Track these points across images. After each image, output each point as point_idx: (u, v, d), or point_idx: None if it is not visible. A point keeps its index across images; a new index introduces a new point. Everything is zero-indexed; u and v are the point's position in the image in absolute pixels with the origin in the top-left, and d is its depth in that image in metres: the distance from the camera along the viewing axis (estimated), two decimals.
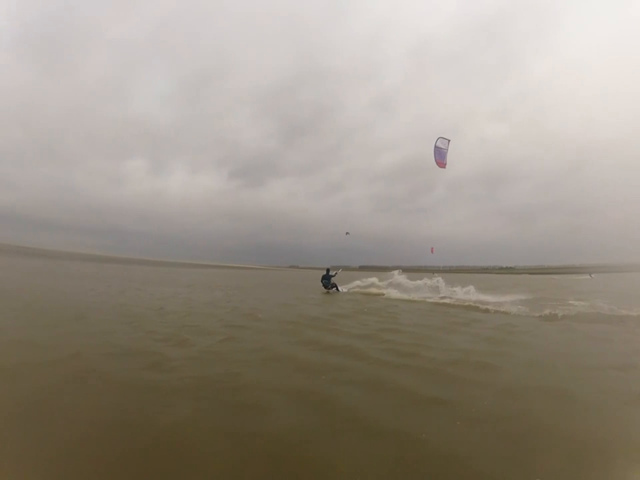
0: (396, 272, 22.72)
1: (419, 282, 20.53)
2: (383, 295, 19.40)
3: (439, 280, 20.12)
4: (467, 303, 14.54)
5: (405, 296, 18.02)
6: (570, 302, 14.52)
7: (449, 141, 15.87)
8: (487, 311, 12.60)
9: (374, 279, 22.89)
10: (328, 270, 22.04)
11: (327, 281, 21.40)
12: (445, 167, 16.08)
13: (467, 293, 16.97)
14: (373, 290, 21.45)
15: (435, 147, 16.01)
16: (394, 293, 19.23)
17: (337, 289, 21.53)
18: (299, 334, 7.75)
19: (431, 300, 16.10)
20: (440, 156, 16.01)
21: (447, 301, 15.74)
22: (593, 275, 58.52)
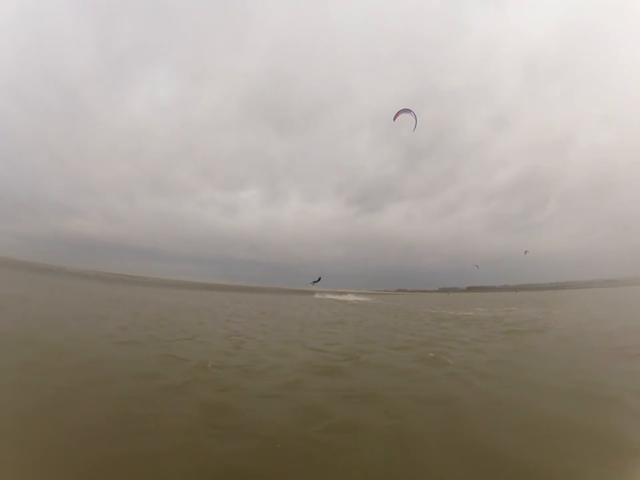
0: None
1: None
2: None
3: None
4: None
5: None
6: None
7: (416, 122, 17.23)
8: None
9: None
10: (315, 280, 42.97)
11: (314, 282, 42.49)
12: (394, 120, 17.43)
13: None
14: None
15: (411, 112, 17.49)
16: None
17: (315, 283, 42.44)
18: None
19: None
20: (403, 111, 17.36)
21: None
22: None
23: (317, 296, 55.55)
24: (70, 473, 3.11)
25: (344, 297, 54.40)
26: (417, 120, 17.05)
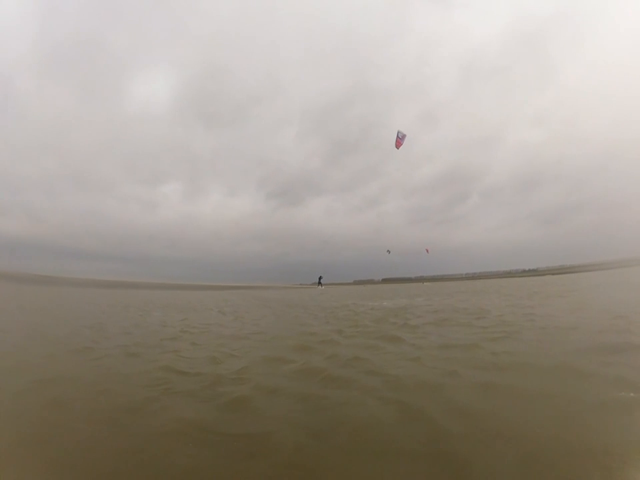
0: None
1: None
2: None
3: None
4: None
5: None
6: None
7: (405, 134, 19.14)
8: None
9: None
10: (320, 277, 57.40)
11: (318, 282, 55.57)
12: (399, 148, 19.22)
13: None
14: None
15: (398, 135, 19.35)
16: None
17: (321, 285, 53.63)
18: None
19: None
20: (402, 140, 19.14)
21: None
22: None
23: (229, 290, 61.70)
24: None
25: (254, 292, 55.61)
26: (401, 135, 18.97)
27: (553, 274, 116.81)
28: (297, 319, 13.83)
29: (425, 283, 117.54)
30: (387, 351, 6.98)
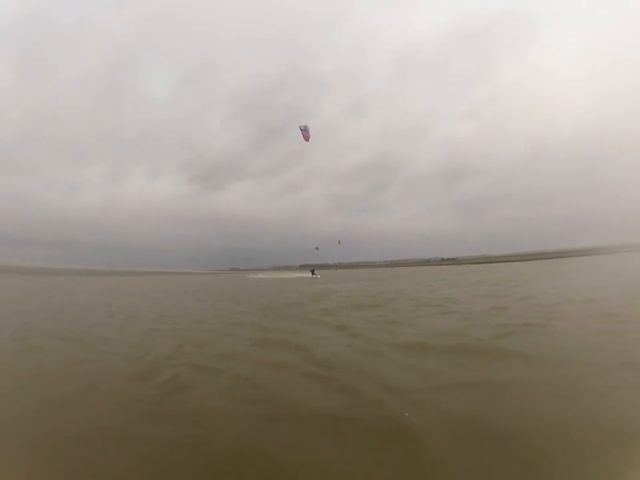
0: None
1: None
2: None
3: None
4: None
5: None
6: None
7: (306, 125, 20.20)
8: None
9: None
10: (313, 269, 51.16)
11: (312, 272, 50.21)
12: (308, 140, 20.20)
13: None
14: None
15: (300, 129, 20.28)
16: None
17: (315, 275, 48.15)
18: None
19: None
20: (307, 132, 20.17)
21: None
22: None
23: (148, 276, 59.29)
24: None
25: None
26: (304, 127, 19.88)
27: (472, 263, 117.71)
28: (243, 305, 14.27)
29: (338, 270, 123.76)
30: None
